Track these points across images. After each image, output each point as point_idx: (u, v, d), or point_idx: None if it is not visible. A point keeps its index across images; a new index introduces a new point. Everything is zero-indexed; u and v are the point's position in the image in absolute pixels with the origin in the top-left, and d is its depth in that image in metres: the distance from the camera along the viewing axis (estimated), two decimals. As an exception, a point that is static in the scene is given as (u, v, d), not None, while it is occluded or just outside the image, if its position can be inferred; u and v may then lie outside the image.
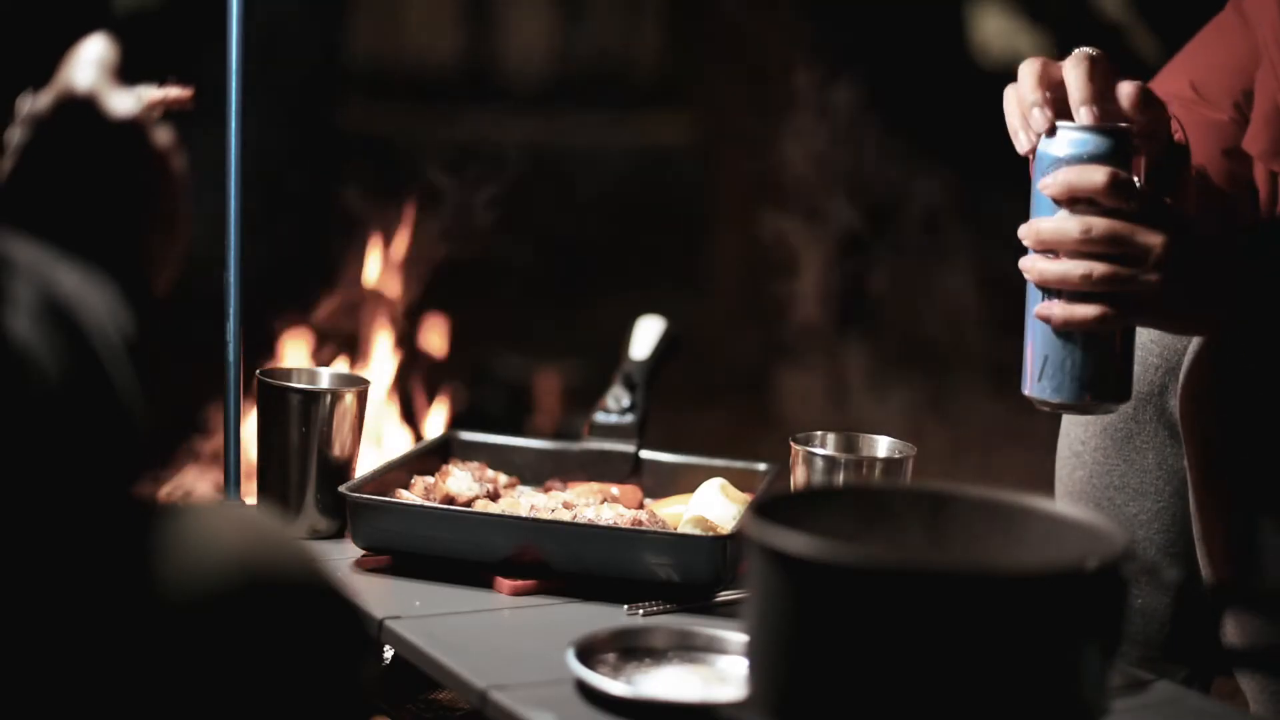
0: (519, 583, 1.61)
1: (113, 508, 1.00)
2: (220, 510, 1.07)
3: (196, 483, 2.56)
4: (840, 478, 1.64)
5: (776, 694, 1.08)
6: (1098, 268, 1.36)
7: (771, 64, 4.82)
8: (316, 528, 1.77)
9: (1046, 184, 1.39)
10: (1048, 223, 1.38)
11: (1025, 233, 1.40)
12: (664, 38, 5.76)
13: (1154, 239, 1.36)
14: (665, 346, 2.04)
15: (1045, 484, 1.74)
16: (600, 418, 1.94)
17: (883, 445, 1.70)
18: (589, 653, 1.39)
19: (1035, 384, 1.42)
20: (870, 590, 1.03)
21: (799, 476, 1.66)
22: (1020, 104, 1.42)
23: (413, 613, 1.55)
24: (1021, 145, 1.42)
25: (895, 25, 4.89)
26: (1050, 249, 1.38)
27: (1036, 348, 1.41)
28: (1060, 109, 1.40)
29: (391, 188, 2.95)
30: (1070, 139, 1.39)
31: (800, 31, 4.88)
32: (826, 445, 1.69)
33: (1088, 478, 1.64)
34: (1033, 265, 1.40)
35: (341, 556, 1.70)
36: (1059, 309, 1.38)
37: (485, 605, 1.59)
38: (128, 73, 1.15)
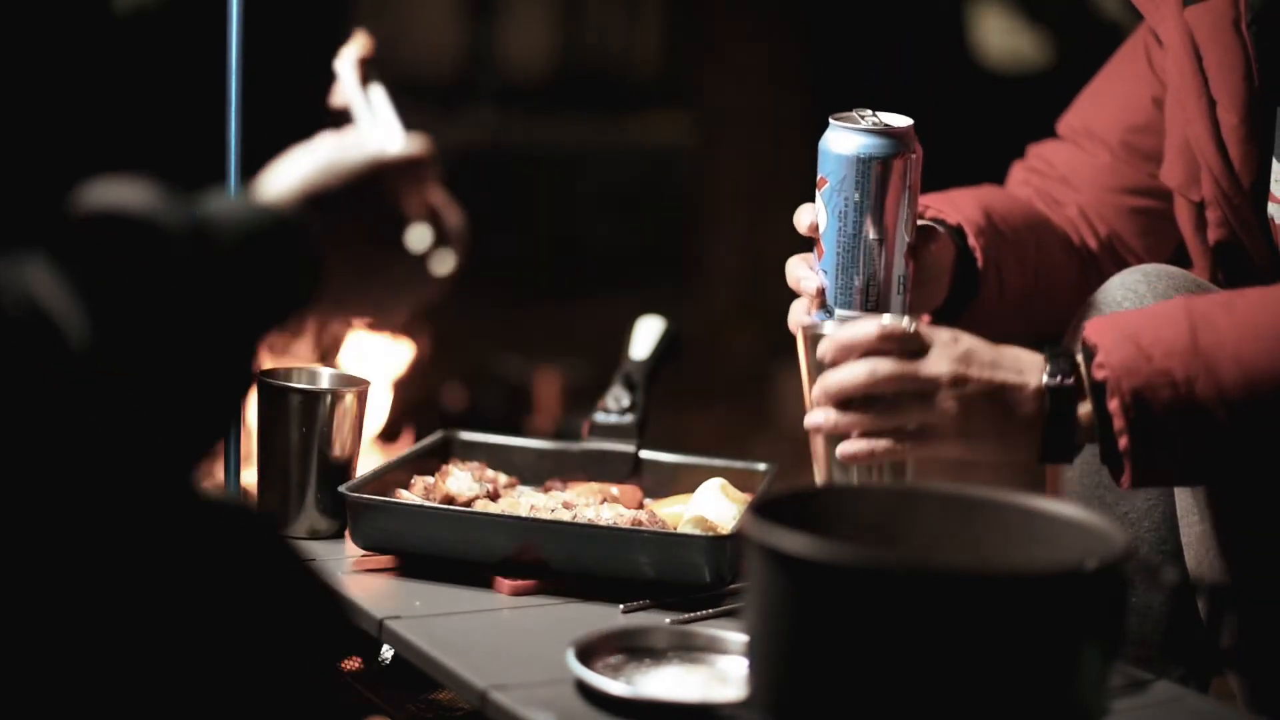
0: (519, 583, 1.61)
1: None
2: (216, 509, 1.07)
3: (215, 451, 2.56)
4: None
5: (776, 694, 1.08)
6: (891, 411, 1.41)
7: (771, 64, 4.82)
8: (316, 528, 1.77)
9: (822, 352, 1.43)
10: (833, 375, 1.43)
11: (816, 394, 1.44)
12: (664, 38, 5.75)
13: (938, 369, 1.40)
14: (665, 346, 2.04)
15: (1039, 484, 1.73)
16: (600, 418, 1.93)
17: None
18: (589, 653, 1.39)
19: None
20: (870, 590, 1.03)
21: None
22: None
23: (413, 613, 1.55)
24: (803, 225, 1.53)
25: (895, 24, 4.89)
26: (841, 399, 1.42)
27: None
28: None
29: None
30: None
31: (799, 31, 4.88)
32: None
33: (1077, 476, 1.64)
34: (825, 419, 1.44)
35: (341, 556, 1.70)
36: (861, 446, 1.42)
37: (485, 605, 1.59)
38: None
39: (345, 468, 1.78)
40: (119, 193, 1.00)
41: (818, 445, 1.48)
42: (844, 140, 1.49)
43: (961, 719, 1.03)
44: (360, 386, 1.80)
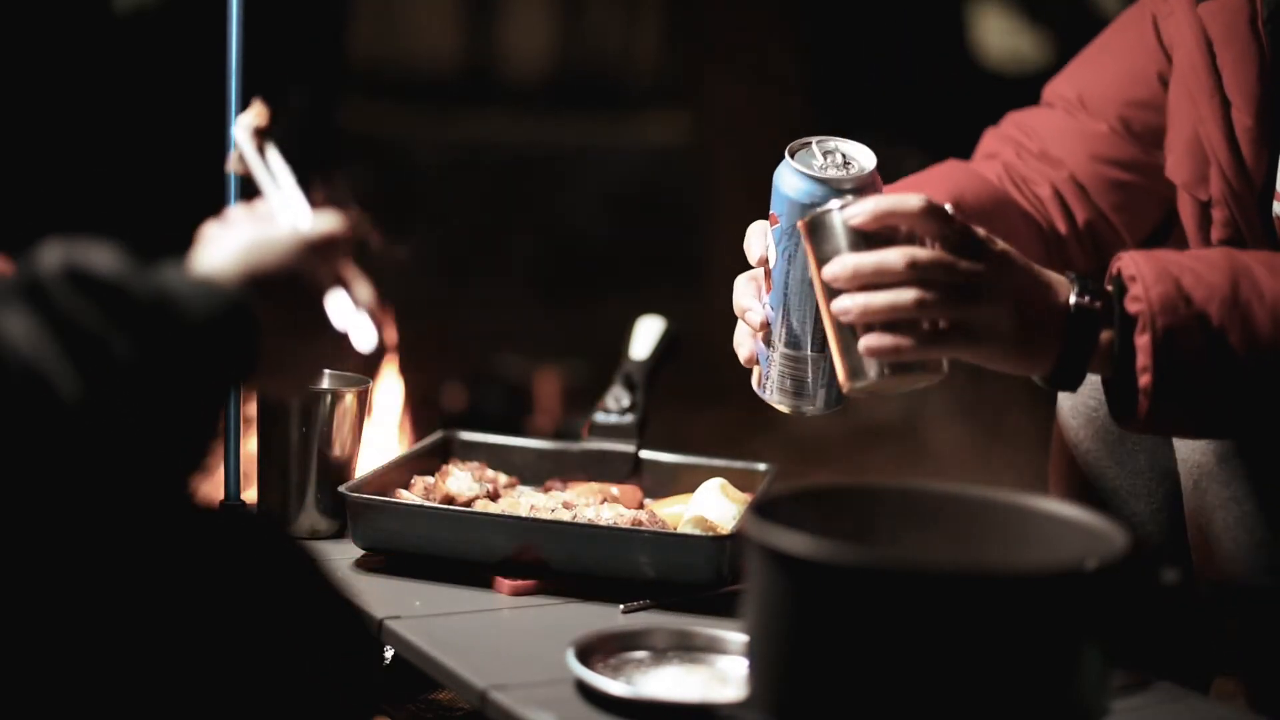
0: (519, 583, 1.61)
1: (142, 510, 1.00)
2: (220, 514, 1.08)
3: (196, 483, 2.56)
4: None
5: (776, 694, 1.08)
6: (929, 295, 1.30)
7: (770, 64, 4.83)
8: (316, 528, 1.77)
9: (854, 215, 1.32)
10: (868, 257, 1.31)
11: (843, 274, 1.32)
12: (664, 38, 5.76)
13: (978, 266, 1.32)
14: (665, 346, 2.04)
15: (1040, 484, 1.73)
16: (600, 418, 1.94)
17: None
18: (589, 653, 1.39)
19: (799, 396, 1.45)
20: (870, 590, 1.03)
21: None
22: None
23: (413, 613, 1.55)
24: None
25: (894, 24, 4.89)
26: (869, 285, 1.31)
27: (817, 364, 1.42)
28: None
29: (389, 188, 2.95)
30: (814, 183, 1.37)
31: (798, 31, 4.89)
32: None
33: (1081, 481, 1.64)
34: (854, 304, 1.31)
35: (341, 556, 1.70)
36: (888, 341, 1.31)
37: (485, 605, 1.59)
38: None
39: (345, 468, 1.78)
40: (84, 255, 1.02)
41: (837, 335, 1.35)
42: (796, 184, 1.37)
43: (961, 719, 1.03)
44: (360, 386, 1.81)
